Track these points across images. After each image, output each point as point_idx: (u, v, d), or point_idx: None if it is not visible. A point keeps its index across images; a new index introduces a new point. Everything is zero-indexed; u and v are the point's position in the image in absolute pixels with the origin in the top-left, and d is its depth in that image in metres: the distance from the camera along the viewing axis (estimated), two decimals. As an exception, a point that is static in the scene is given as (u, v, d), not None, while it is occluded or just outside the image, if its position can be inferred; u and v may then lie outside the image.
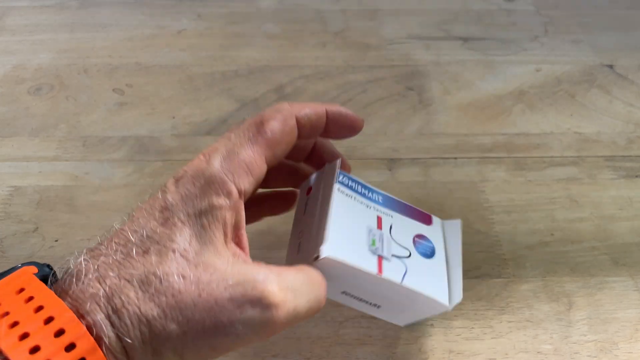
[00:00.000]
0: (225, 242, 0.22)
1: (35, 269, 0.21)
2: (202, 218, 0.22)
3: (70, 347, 0.18)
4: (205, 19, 0.61)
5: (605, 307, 0.35)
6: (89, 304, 0.19)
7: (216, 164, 0.23)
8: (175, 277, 0.20)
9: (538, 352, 0.33)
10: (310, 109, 0.26)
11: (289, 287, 0.22)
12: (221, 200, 0.22)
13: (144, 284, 0.20)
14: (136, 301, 0.20)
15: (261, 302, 0.21)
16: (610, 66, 0.55)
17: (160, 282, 0.20)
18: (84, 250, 0.21)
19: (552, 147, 0.47)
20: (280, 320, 0.21)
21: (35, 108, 0.49)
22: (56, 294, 0.19)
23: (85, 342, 0.18)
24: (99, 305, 0.19)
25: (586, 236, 0.40)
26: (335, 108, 0.28)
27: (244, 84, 0.53)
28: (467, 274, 0.37)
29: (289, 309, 0.21)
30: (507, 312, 0.35)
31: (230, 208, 0.22)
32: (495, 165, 0.45)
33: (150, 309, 0.20)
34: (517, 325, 0.34)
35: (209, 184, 0.22)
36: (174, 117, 0.49)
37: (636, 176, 0.44)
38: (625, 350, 0.33)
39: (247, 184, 0.23)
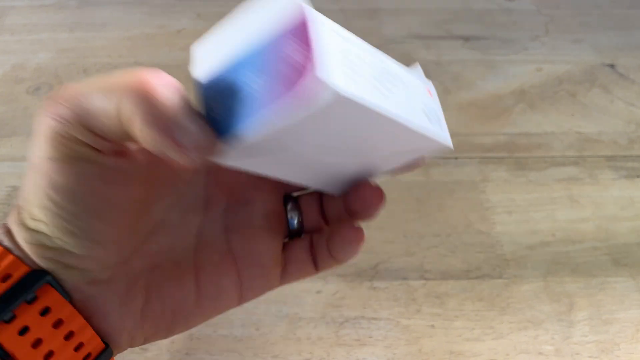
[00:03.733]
0: None
1: None
2: None
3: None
4: (204, 18, 0.60)
5: (606, 308, 0.35)
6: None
7: None
8: None
9: (539, 353, 0.33)
10: None
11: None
12: None
13: None
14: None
15: None
16: (612, 66, 0.55)
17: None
18: None
19: (553, 147, 0.47)
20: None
21: (34, 108, 0.49)
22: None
23: None
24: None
25: (587, 236, 0.40)
26: None
27: (244, 83, 0.52)
28: (467, 274, 0.37)
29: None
30: (508, 312, 0.35)
31: None
32: (496, 165, 0.45)
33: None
34: (518, 325, 0.34)
35: None
36: (173, 117, 0.49)
37: (637, 176, 0.44)
38: (627, 351, 0.33)
39: None
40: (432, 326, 0.34)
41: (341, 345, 0.33)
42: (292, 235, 0.26)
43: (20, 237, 0.20)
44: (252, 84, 0.18)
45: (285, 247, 0.26)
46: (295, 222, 0.26)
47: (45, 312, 0.20)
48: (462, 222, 0.40)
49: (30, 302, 0.19)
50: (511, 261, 0.38)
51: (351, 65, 0.18)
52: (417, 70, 0.24)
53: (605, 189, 0.43)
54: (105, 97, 0.18)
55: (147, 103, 0.17)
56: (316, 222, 0.26)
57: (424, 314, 0.35)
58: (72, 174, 0.19)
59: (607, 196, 0.43)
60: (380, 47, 0.21)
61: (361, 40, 0.20)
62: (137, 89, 0.17)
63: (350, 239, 0.24)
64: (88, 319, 0.21)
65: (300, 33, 0.17)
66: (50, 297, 0.20)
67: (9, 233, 0.20)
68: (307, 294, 0.36)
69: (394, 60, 0.21)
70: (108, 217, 0.20)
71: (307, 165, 0.22)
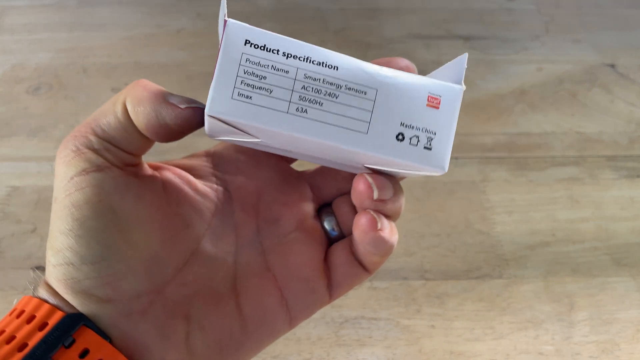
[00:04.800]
0: None
1: None
2: None
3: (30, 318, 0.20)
4: (204, 17, 0.60)
5: (606, 308, 0.35)
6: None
7: None
8: None
9: (539, 353, 0.33)
10: None
11: None
12: None
13: None
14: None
15: None
16: (612, 65, 0.55)
17: None
18: None
19: (553, 146, 0.47)
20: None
21: (34, 108, 0.49)
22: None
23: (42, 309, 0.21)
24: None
25: (587, 236, 0.40)
26: None
27: (244, 83, 0.52)
28: (468, 274, 0.37)
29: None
30: (508, 312, 0.35)
31: None
32: (496, 165, 0.45)
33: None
34: (518, 326, 0.34)
35: None
36: (173, 117, 0.49)
37: (638, 176, 0.44)
38: (627, 351, 0.33)
39: None
40: (432, 326, 0.34)
41: (341, 345, 0.33)
42: (333, 242, 0.25)
43: (52, 279, 0.20)
44: None
45: (326, 255, 0.25)
46: (334, 229, 0.25)
47: (84, 354, 0.20)
48: (462, 222, 0.40)
49: (68, 346, 0.19)
50: (511, 261, 0.38)
51: (253, 83, 0.20)
52: (452, 68, 0.22)
53: (606, 189, 0.43)
54: (111, 105, 0.21)
55: (138, 86, 0.21)
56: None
57: (424, 314, 0.35)
58: (89, 187, 0.20)
59: (608, 196, 0.43)
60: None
61: (312, 47, 0.21)
62: (131, 86, 0.21)
63: (361, 224, 0.22)
64: (130, 357, 0.20)
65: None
66: (88, 339, 0.20)
67: (47, 285, 0.21)
68: (307, 294, 0.36)
69: (381, 67, 0.21)
70: (129, 234, 0.21)
71: (303, 151, 0.22)
